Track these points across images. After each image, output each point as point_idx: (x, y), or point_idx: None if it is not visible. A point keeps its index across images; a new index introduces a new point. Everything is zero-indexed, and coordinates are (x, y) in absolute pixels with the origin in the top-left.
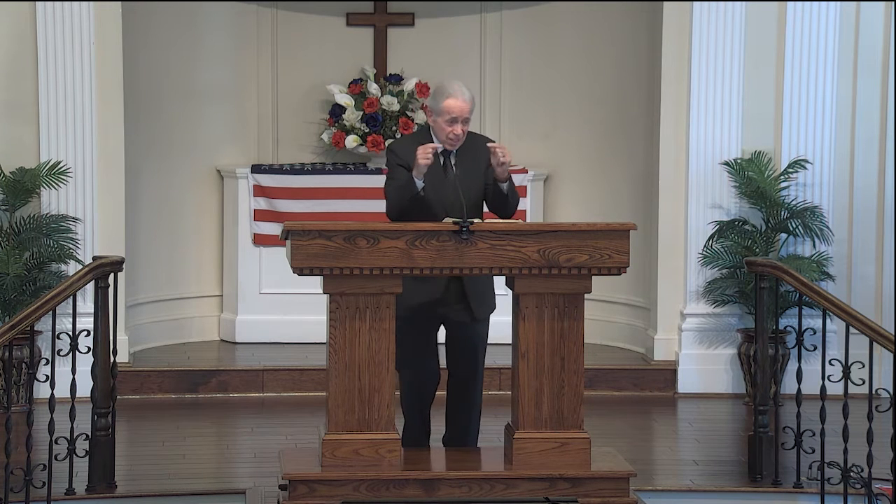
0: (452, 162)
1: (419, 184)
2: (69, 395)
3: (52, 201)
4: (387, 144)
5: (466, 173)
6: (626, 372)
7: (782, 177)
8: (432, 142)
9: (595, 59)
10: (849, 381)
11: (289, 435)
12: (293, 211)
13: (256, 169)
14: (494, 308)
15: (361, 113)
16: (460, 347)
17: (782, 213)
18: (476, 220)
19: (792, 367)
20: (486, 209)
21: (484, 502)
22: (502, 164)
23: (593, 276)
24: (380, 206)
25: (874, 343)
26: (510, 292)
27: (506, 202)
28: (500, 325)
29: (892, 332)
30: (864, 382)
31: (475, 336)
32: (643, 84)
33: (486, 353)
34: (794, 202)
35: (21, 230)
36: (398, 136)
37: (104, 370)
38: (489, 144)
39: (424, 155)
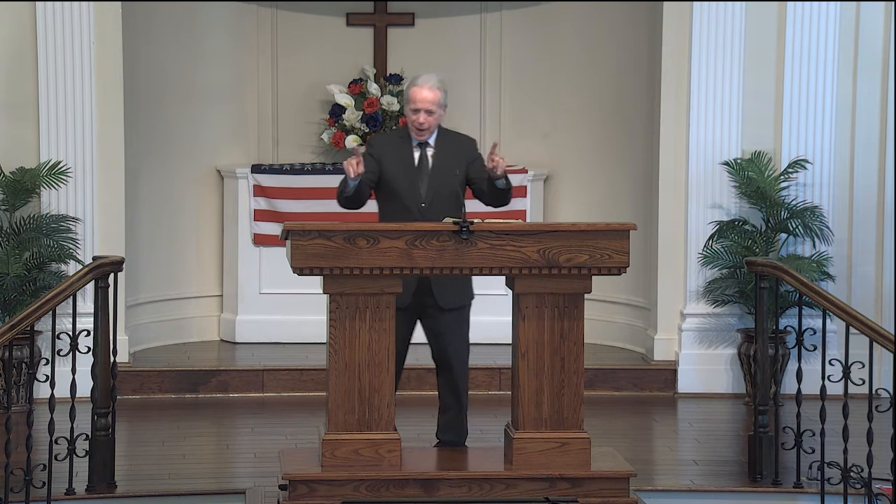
0: (429, 154)
1: (351, 184)
2: (69, 395)
3: (52, 201)
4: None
5: (442, 168)
6: (626, 372)
7: (782, 177)
8: (410, 138)
9: (595, 59)
10: (849, 381)
11: (289, 435)
12: (293, 211)
13: (256, 169)
14: (470, 298)
15: (361, 113)
16: (432, 337)
17: (782, 213)
18: (476, 221)
19: (792, 367)
20: (472, 208)
21: (484, 502)
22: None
23: (593, 276)
24: None
25: (874, 343)
26: (510, 292)
27: (504, 196)
28: (501, 325)
29: (892, 332)
30: (864, 382)
31: (444, 326)
32: (643, 84)
33: (485, 349)
34: (794, 202)
35: (21, 230)
36: None
37: (104, 370)
38: (493, 157)
39: (349, 165)
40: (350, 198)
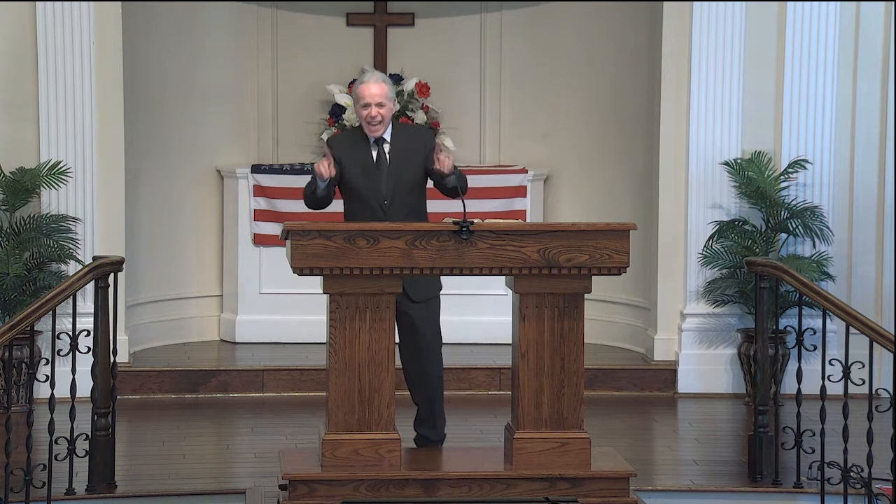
0: (386, 150)
1: (320, 185)
2: (69, 395)
3: (52, 201)
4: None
5: (399, 161)
6: (626, 372)
7: (782, 177)
8: (367, 136)
9: (595, 59)
10: (849, 381)
11: (289, 435)
12: (293, 211)
13: (256, 169)
14: (438, 289)
15: None
16: (408, 331)
17: (782, 213)
18: (476, 221)
19: (792, 367)
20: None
21: (484, 502)
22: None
23: (593, 276)
24: None
25: (874, 343)
26: (510, 292)
27: (456, 192)
28: (501, 325)
29: (892, 332)
30: (864, 382)
31: (417, 317)
32: (643, 84)
33: (485, 349)
34: (794, 202)
35: (21, 230)
36: None
37: (104, 370)
38: (438, 157)
39: (321, 166)
40: (319, 198)
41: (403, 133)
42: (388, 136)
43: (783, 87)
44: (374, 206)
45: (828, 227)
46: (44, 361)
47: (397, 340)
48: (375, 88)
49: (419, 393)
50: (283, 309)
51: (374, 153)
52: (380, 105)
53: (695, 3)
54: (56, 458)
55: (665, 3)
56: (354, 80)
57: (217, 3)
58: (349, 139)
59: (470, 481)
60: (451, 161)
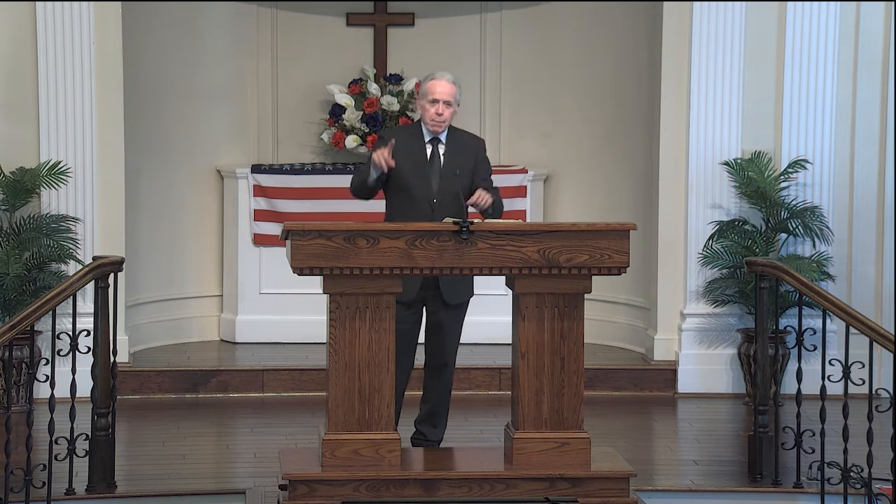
0: (440, 150)
1: (374, 174)
2: (69, 395)
3: (52, 201)
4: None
5: (452, 164)
6: (626, 372)
7: (782, 177)
8: (422, 133)
9: (595, 59)
10: (849, 381)
11: (289, 435)
12: (293, 211)
13: (256, 169)
14: (471, 295)
15: (361, 113)
16: (434, 331)
17: (782, 213)
18: (476, 221)
19: (792, 367)
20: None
21: (484, 502)
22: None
23: (593, 276)
24: (380, 206)
25: (874, 343)
26: (510, 292)
27: (494, 217)
28: (501, 325)
29: (892, 332)
30: (864, 382)
31: (447, 321)
32: (643, 84)
33: (485, 349)
34: (794, 202)
35: (21, 230)
36: None
37: (104, 370)
38: (479, 199)
39: (380, 157)
40: (369, 187)
41: (458, 138)
42: (443, 138)
43: (783, 87)
44: (424, 203)
45: (828, 227)
46: (44, 361)
47: (421, 340)
48: (446, 87)
49: (429, 392)
50: (283, 309)
51: (429, 151)
52: (447, 104)
53: (695, 3)
54: (56, 458)
55: (665, 3)
56: (355, 80)
57: (217, 3)
58: (403, 134)
59: (470, 481)
60: (490, 199)
